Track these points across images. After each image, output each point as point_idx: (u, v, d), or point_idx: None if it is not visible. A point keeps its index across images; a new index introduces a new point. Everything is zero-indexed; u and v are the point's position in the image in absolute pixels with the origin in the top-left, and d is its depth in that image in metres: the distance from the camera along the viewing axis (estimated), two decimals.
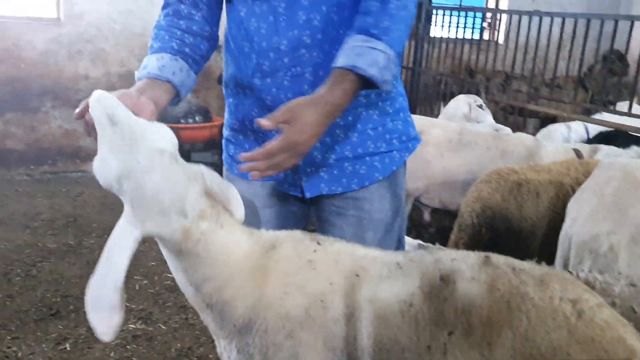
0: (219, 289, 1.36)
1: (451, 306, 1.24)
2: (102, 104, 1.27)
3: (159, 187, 1.25)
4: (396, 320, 1.27)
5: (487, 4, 9.07)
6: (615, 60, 6.83)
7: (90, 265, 3.99)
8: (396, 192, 1.82)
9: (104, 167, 1.26)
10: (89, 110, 1.29)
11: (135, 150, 1.24)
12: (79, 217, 4.90)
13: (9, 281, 3.72)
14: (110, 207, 5.15)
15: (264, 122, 1.36)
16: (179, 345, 3.14)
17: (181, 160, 1.33)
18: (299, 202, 1.84)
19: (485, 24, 8.44)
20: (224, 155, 1.91)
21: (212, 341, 1.52)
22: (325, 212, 1.81)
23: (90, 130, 1.35)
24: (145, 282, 3.79)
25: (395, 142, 1.77)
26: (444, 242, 3.07)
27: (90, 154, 6.21)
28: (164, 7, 1.68)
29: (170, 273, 1.44)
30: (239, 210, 1.43)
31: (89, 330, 3.18)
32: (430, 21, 6.44)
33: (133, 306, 3.47)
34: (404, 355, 1.26)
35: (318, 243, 1.43)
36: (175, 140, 1.33)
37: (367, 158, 1.73)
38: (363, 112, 1.70)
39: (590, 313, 1.17)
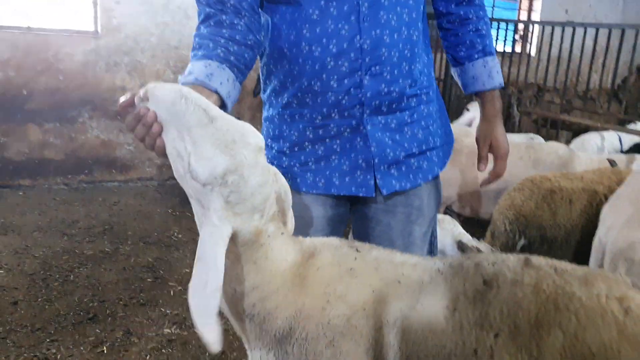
0: (263, 299, 1.34)
1: (496, 309, 1.24)
2: (192, 100, 1.22)
3: (259, 183, 1.25)
4: (441, 326, 1.26)
5: (519, 15, 9.04)
6: None
7: (126, 271, 4.08)
8: (439, 188, 1.89)
9: (210, 162, 1.21)
10: (172, 104, 1.23)
11: (241, 145, 1.23)
12: (115, 225, 4.99)
13: (47, 286, 3.81)
14: (145, 215, 5.26)
15: (483, 166, 1.88)
16: None
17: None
18: (347, 204, 1.87)
19: (517, 36, 8.40)
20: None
21: None
22: (372, 211, 1.82)
23: (135, 124, 1.27)
24: (179, 288, 3.85)
25: (444, 135, 1.86)
26: None
27: (127, 164, 6.29)
28: (203, 21, 1.59)
29: None
30: (292, 221, 1.45)
31: (125, 334, 3.26)
32: None
33: (168, 311, 3.53)
34: None
35: (357, 250, 1.42)
36: (262, 138, 1.31)
37: (428, 153, 1.79)
38: (425, 109, 1.77)
39: (638, 310, 1.17)
